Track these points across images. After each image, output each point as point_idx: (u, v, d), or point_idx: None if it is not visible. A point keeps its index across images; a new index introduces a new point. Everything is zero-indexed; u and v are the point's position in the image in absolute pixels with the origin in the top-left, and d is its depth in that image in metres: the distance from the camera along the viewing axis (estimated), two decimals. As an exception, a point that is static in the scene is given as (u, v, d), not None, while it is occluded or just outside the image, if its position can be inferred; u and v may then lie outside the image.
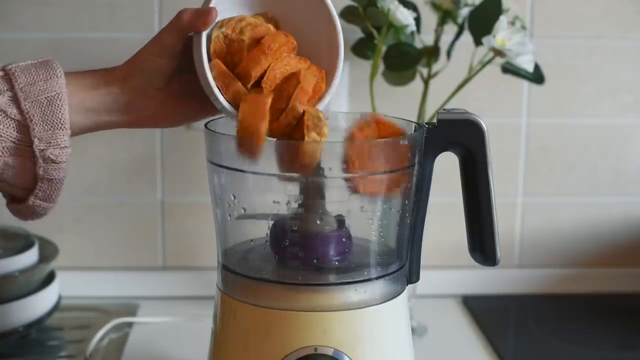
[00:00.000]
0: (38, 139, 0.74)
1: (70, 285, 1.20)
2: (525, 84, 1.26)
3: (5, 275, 1.07)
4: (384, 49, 1.08)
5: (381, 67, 1.11)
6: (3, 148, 0.74)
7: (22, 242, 1.14)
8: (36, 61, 0.77)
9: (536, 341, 1.16)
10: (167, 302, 1.25)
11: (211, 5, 0.78)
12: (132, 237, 1.27)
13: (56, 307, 1.13)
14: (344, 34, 1.15)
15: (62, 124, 0.75)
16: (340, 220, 0.81)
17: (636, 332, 1.19)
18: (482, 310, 1.24)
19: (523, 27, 1.12)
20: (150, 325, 1.17)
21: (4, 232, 1.15)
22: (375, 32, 1.08)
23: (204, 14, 0.77)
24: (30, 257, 1.11)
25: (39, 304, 1.10)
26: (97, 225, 1.26)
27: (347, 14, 1.09)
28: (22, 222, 1.18)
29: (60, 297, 1.15)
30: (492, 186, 0.83)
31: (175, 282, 1.27)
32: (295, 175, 0.79)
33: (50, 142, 0.75)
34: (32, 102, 0.74)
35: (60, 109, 0.75)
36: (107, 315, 1.18)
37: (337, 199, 0.81)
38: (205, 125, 0.82)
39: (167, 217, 1.27)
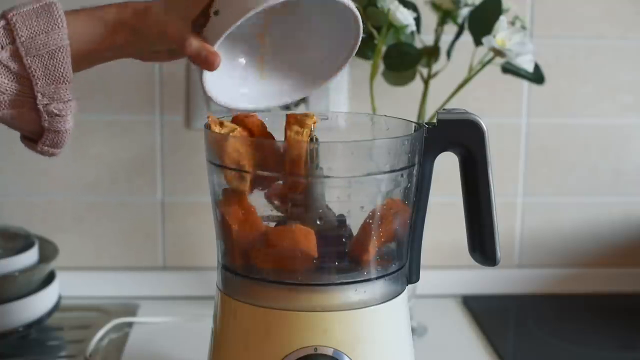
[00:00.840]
0: (41, 94, 0.75)
1: (70, 285, 1.20)
2: (525, 84, 1.26)
3: (5, 275, 1.07)
4: (384, 49, 1.08)
5: (381, 67, 1.11)
6: (9, 101, 0.74)
7: (22, 242, 1.14)
8: (38, 5, 0.75)
9: (536, 341, 1.16)
10: (167, 302, 1.25)
11: (216, 45, 0.76)
12: (132, 237, 1.27)
13: (56, 307, 1.13)
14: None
15: (64, 78, 0.75)
16: (341, 220, 0.81)
17: (636, 332, 1.19)
18: (482, 310, 1.24)
19: (523, 27, 1.12)
20: (150, 325, 1.17)
21: (4, 232, 1.15)
22: (375, 32, 1.08)
23: (208, 60, 0.76)
24: (30, 257, 1.11)
25: (39, 304, 1.10)
26: (97, 225, 1.26)
27: (347, 14, 1.09)
28: (22, 222, 1.19)
29: (60, 297, 1.15)
30: (492, 186, 0.83)
31: (175, 282, 1.27)
32: (295, 175, 0.79)
33: (53, 97, 0.75)
34: (33, 56, 0.74)
35: (62, 62, 0.75)
36: (107, 315, 1.18)
37: (337, 199, 0.81)
38: (206, 125, 0.82)
39: (167, 217, 1.27)
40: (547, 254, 1.32)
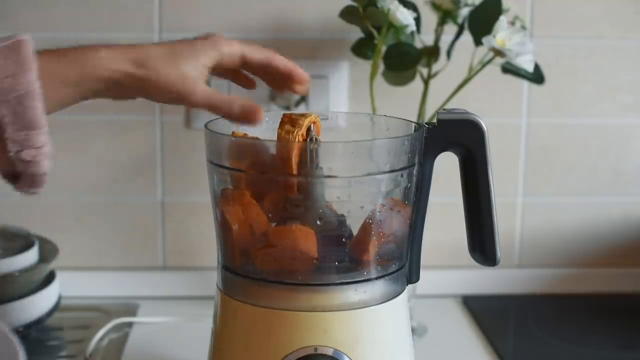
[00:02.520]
0: (11, 141, 0.70)
1: (70, 285, 1.20)
2: (525, 84, 1.26)
3: (5, 275, 1.07)
4: (384, 49, 1.08)
5: (381, 67, 1.11)
6: None
7: (22, 242, 1.14)
8: (5, 44, 0.69)
9: (536, 341, 1.16)
10: (167, 302, 1.25)
11: None
12: (132, 237, 1.27)
13: (56, 307, 1.13)
14: (343, 34, 1.16)
15: (34, 124, 0.70)
16: (341, 220, 0.81)
17: (636, 332, 1.19)
18: (482, 310, 1.24)
19: (523, 27, 1.12)
20: (150, 325, 1.17)
21: (4, 232, 1.15)
22: (375, 32, 1.08)
23: (246, 111, 0.76)
24: (30, 257, 1.11)
25: (39, 304, 1.10)
26: (97, 225, 1.26)
27: (347, 14, 1.09)
28: (22, 222, 1.19)
29: (60, 297, 1.15)
30: (492, 186, 0.83)
31: (175, 282, 1.27)
32: (294, 175, 0.79)
33: (23, 144, 0.70)
34: (1, 102, 0.68)
35: (31, 107, 0.69)
36: (107, 315, 1.18)
37: (337, 199, 0.81)
38: (206, 125, 0.82)
39: (167, 217, 1.27)
40: (547, 254, 1.32)
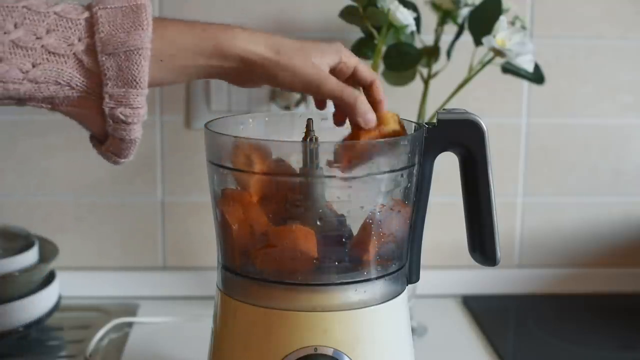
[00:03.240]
0: (109, 95, 0.69)
1: (70, 285, 1.20)
2: (525, 84, 1.26)
3: (5, 275, 1.07)
4: (384, 49, 1.08)
5: (381, 67, 1.11)
6: (77, 98, 0.70)
7: (22, 242, 1.14)
8: (127, 5, 0.70)
9: (536, 341, 1.16)
10: (167, 302, 1.25)
11: None
12: (132, 237, 1.27)
13: (56, 307, 1.13)
14: (343, 34, 1.16)
15: (136, 82, 0.69)
16: (341, 220, 0.81)
17: (636, 332, 1.19)
18: (482, 310, 1.24)
19: (523, 27, 1.12)
20: (150, 325, 1.17)
21: (4, 232, 1.15)
22: (375, 32, 1.08)
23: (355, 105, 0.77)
24: (30, 257, 1.11)
25: (39, 304, 1.10)
26: (97, 225, 1.26)
27: (347, 14, 1.09)
28: (22, 222, 1.19)
29: (60, 297, 1.15)
30: (492, 186, 0.83)
31: (175, 282, 1.27)
32: (295, 175, 0.79)
33: (120, 101, 0.69)
34: (109, 54, 0.68)
35: (138, 64, 0.69)
36: (107, 315, 1.18)
37: (337, 199, 0.81)
38: (206, 125, 0.82)
39: (167, 217, 1.27)
40: (547, 254, 1.32)
